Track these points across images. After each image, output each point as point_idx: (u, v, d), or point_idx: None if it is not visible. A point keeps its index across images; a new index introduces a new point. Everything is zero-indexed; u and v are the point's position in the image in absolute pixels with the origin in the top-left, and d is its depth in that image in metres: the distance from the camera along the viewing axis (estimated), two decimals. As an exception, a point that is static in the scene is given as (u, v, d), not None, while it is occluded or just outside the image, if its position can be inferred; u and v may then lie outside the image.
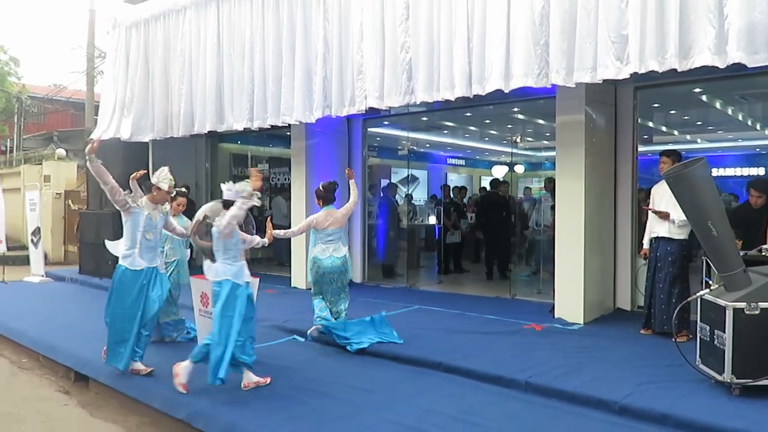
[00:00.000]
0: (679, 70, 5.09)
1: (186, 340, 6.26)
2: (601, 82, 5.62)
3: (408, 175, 12.73)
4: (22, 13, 56.89)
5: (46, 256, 12.52)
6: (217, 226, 4.78)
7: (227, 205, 4.82)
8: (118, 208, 5.15)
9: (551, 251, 7.30)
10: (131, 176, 5.49)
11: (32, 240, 11.45)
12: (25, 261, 11.89)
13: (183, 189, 6.43)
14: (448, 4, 6.52)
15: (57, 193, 15.66)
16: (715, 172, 13.31)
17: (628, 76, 5.39)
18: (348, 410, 4.30)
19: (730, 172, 14.46)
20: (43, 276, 11.19)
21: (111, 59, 10.84)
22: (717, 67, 5.00)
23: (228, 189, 4.87)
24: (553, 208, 8.10)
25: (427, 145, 15.50)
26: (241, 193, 4.74)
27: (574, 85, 5.76)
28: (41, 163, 17.04)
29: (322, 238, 6.08)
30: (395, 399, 4.51)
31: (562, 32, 5.68)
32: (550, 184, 9.32)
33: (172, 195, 5.65)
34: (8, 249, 11.83)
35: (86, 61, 18.75)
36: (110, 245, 5.25)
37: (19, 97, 24.61)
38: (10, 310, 8.09)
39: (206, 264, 5.00)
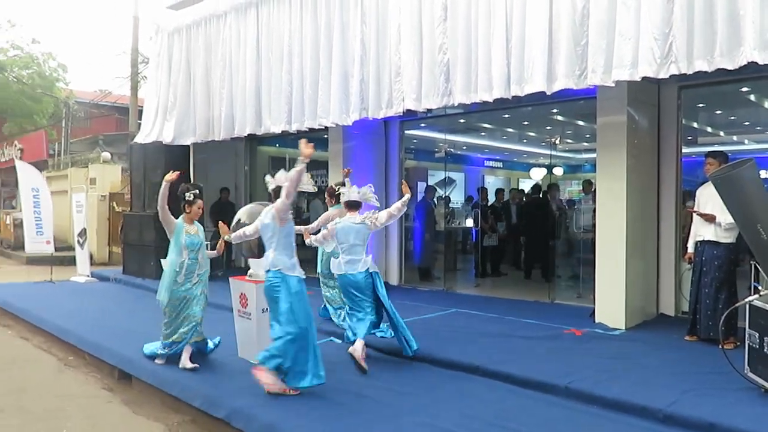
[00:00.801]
0: (730, 69, 4.93)
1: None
2: (640, 79, 5.49)
3: (445, 178, 12.67)
4: (69, 21, 58.69)
5: (91, 257, 12.86)
6: (373, 222, 5.40)
7: (351, 206, 5.50)
8: (281, 216, 4.67)
9: (591, 255, 7.17)
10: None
11: (78, 241, 11.78)
12: (72, 261, 12.23)
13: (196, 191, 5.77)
14: (486, 5, 6.47)
15: (102, 196, 16.10)
16: (764, 174, 12.87)
17: (667, 76, 5.26)
18: (384, 413, 4.29)
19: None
20: (88, 276, 11.50)
21: (154, 64, 11.09)
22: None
23: (359, 192, 5.50)
24: (592, 211, 7.97)
25: (464, 147, 15.39)
26: (365, 195, 5.52)
27: (613, 84, 5.64)
28: (87, 166, 17.54)
29: None
30: (432, 402, 4.48)
31: (601, 31, 5.58)
32: (589, 187, 9.15)
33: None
34: (56, 250, 12.20)
35: (130, 67, 19.21)
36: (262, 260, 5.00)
37: (67, 102, 25.36)
38: (58, 309, 8.33)
39: (336, 261, 5.47)
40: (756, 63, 4.82)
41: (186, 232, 5.44)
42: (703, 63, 5.01)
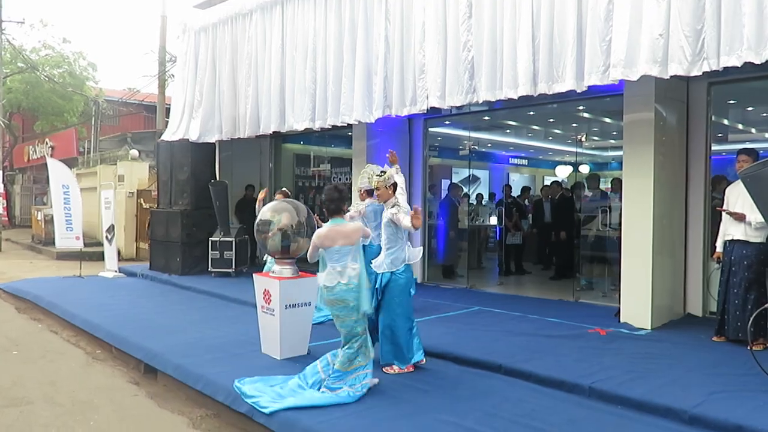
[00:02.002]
0: (756, 63, 4.82)
1: None
2: (669, 78, 5.39)
3: (469, 175, 12.62)
4: (99, 21, 59.77)
5: (119, 253, 13.07)
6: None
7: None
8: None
9: (617, 253, 7.08)
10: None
11: (107, 237, 11.98)
12: (101, 257, 12.44)
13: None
14: (512, 2, 6.41)
15: (130, 192, 16.34)
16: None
17: (700, 73, 5.16)
18: (407, 410, 4.29)
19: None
20: (116, 271, 11.69)
21: (181, 63, 11.23)
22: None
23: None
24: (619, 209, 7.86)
25: (489, 145, 15.31)
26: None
27: (636, 79, 5.55)
28: (116, 164, 17.82)
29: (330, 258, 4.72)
30: (455, 400, 4.47)
31: (625, 24, 5.49)
32: (618, 186, 9.02)
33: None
34: (85, 245, 12.43)
35: (158, 65, 19.49)
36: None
37: (96, 100, 25.83)
38: (86, 303, 8.49)
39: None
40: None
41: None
42: (731, 58, 4.90)
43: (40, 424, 4.57)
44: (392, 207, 5.13)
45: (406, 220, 4.95)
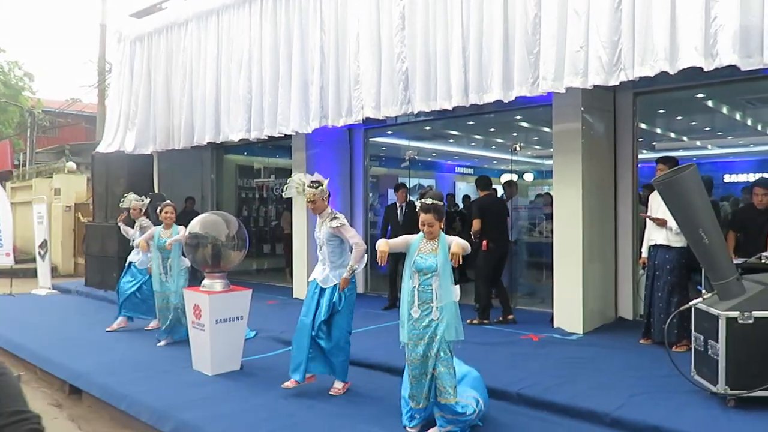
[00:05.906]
0: (671, 73, 5.00)
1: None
2: (591, 87, 5.55)
3: (416, 185, 12.70)
4: (37, 29, 57.93)
5: (56, 269, 12.62)
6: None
7: None
8: None
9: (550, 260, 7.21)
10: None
11: (39, 253, 11.55)
12: (35, 274, 11.98)
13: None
14: (443, 15, 6.48)
15: (67, 206, 15.80)
16: (727, 177, 13.11)
17: (618, 83, 5.33)
18: (336, 423, 4.26)
19: (742, 177, 14.25)
20: (50, 288, 11.27)
21: (116, 73, 10.98)
22: (716, 70, 4.91)
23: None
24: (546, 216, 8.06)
25: (434, 154, 15.48)
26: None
27: (564, 91, 5.68)
28: (52, 177, 17.23)
29: None
30: (385, 411, 4.46)
31: (552, 38, 5.63)
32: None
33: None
34: (17, 262, 11.93)
35: (97, 75, 18.99)
36: None
37: (32, 111, 24.97)
38: (13, 322, 8.14)
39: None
40: (702, 69, 4.90)
41: (419, 252, 4.03)
42: (647, 68, 5.07)
43: (-50, 453, 4.33)
44: (332, 220, 4.89)
45: (351, 234, 4.85)
